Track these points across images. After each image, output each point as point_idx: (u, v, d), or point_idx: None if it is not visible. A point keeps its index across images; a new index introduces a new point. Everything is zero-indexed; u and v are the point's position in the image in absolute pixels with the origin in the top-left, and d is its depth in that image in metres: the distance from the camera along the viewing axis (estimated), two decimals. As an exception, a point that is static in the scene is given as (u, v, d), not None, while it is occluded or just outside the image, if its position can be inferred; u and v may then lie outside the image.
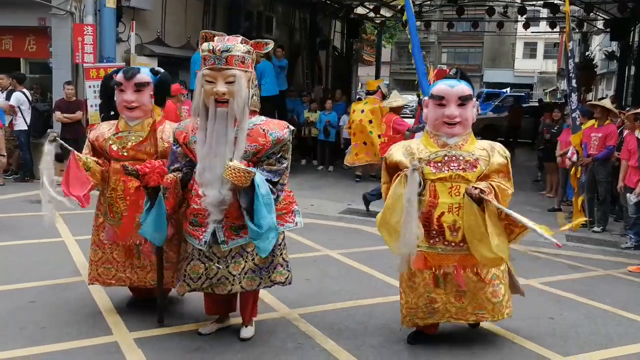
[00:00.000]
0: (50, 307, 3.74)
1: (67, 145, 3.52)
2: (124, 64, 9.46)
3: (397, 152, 3.33)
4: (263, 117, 3.30)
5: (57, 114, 8.43)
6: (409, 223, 3.04)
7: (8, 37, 10.40)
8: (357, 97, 20.66)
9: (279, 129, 3.21)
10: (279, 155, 3.22)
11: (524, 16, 18.52)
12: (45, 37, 9.74)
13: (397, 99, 8.18)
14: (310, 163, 11.57)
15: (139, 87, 3.54)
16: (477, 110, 3.43)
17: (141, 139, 3.56)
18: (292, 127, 3.31)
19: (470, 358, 3.39)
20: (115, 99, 3.63)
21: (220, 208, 3.12)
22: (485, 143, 3.36)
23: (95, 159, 3.58)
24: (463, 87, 3.25)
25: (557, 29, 19.33)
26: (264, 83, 9.61)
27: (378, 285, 4.60)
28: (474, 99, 3.33)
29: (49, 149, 3.40)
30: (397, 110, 7.91)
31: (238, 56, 3.08)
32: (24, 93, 8.51)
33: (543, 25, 24.18)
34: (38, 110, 8.80)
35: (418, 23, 26.62)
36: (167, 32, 10.93)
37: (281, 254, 3.36)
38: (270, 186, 3.11)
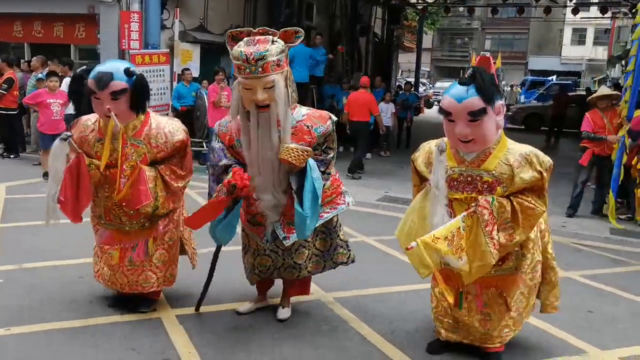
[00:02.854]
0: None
1: (76, 147, 3.24)
2: (168, 50, 9.69)
3: (420, 158, 3.06)
4: (304, 110, 3.29)
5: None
6: (438, 213, 2.81)
7: (59, 24, 10.79)
8: (397, 84, 20.47)
9: (322, 122, 3.24)
10: (324, 146, 3.30)
11: (573, 1, 17.86)
12: (94, 24, 10.05)
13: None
14: (348, 150, 11.58)
15: (115, 96, 3.15)
16: (502, 114, 2.84)
17: (131, 144, 3.27)
18: (334, 117, 3.34)
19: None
20: (86, 98, 3.26)
21: (277, 210, 3.23)
22: (517, 154, 2.79)
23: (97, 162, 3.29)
24: (472, 101, 2.69)
25: (609, 14, 18.54)
26: (293, 68, 9.64)
27: (412, 272, 4.58)
28: (497, 104, 2.76)
29: (61, 147, 3.18)
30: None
31: (273, 61, 2.99)
32: (73, 79, 8.80)
33: (594, 11, 23.26)
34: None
35: (461, 9, 26.13)
36: (209, 19, 11.09)
37: (338, 236, 3.52)
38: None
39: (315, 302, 3.91)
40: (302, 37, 3.16)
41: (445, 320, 3.16)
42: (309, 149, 3.10)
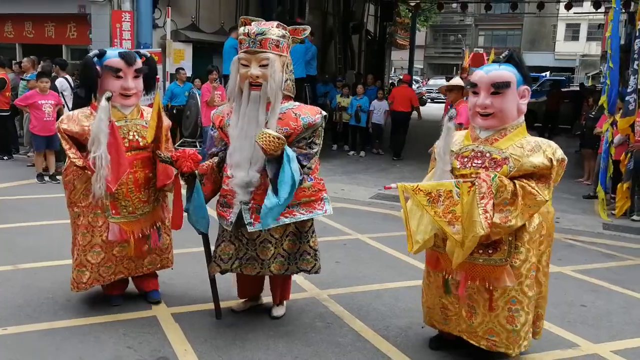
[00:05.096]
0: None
1: (111, 117, 3.25)
2: (160, 49, 9.67)
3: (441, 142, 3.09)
4: (297, 103, 3.32)
5: (98, 99, 8.64)
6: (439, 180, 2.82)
7: (50, 24, 10.76)
8: (390, 81, 20.50)
9: (312, 114, 3.21)
10: (310, 140, 3.22)
11: (566, -4, 17.90)
12: (86, 24, 10.02)
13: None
14: (342, 148, 11.60)
15: (138, 72, 3.39)
16: (526, 99, 2.88)
17: (139, 126, 3.42)
18: (324, 113, 3.31)
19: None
20: (98, 84, 3.33)
21: (247, 189, 3.14)
22: (532, 140, 2.83)
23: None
24: (499, 73, 2.81)
25: (602, 9, 18.59)
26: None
27: (406, 269, 4.65)
28: (522, 87, 2.85)
29: (107, 108, 3.18)
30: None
31: (272, 39, 3.09)
32: (66, 79, 8.79)
33: (587, 6, 23.32)
34: (80, 96, 9.07)
35: (454, 5, 26.09)
36: (201, 18, 11.08)
37: (308, 242, 3.37)
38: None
39: (309, 299, 3.92)
40: (308, 32, 3.31)
41: (435, 311, 3.12)
42: (283, 137, 3.00)
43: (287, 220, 3.20)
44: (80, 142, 3.32)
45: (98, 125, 3.16)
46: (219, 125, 3.33)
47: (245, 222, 3.19)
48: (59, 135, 3.39)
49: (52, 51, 10.40)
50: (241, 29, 3.18)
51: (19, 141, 9.68)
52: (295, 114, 3.17)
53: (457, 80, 6.44)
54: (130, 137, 3.38)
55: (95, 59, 3.34)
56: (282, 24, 3.24)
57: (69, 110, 8.60)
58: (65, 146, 3.35)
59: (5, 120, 9.06)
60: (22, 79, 8.78)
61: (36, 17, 10.67)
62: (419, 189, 2.74)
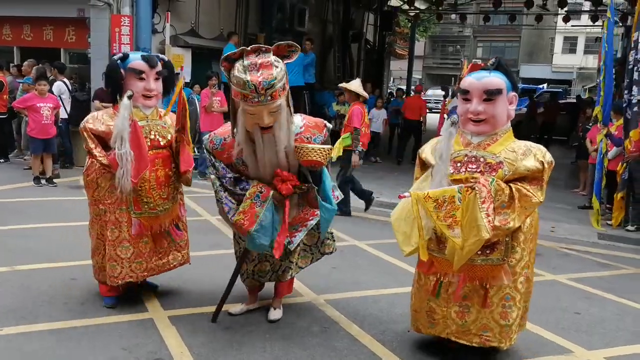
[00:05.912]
0: (89, 285, 3.93)
1: (133, 116, 3.37)
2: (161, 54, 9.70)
3: (427, 148, 3.15)
4: (299, 121, 3.28)
5: (97, 103, 8.66)
6: (439, 184, 2.86)
7: (49, 27, 10.75)
8: (389, 91, 20.57)
9: (320, 132, 3.31)
10: None
11: (565, 9, 18.02)
12: (85, 28, 10.02)
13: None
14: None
15: (159, 75, 3.54)
16: (514, 105, 2.98)
17: (159, 126, 3.57)
18: (329, 125, 3.41)
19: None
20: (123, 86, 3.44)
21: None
22: (522, 144, 2.93)
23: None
24: (491, 80, 2.87)
25: (599, 22, 18.74)
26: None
27: (402, 276, 4.66)
28: (511, 93, 2.94)
29: (129, 106, 3.30)
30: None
31: (281, 86, 2.95)
32: (64, 83, 8.80)
33: (585, 19, 23.53)
34: (78, 100, 9.07)
35: (453, 16, 26.32)
36: (200, 24, 11.11)
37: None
38: None
39: (306, 304, 3.93)
40: (298, 51, 3.08)
41: (421, 315, 3.15)
42: (330, 145, 3.22)
43: (314, 221, 3.43)
44: (105, 142, 3.43)
45: (122, 123, 3.29)
46: (227, 162, 3.29)
47: (285, 243, 3.34)
48: (85, 135, 3.47)
49: (50, 54, 10.38)
50: (240, 79, 2.87)
51: (15, 145, 9.67)
52: (307, 138, 3.25)
53: (355, 86, 6.56)
54: (152, 137, 3.52)
55: (119, 62, 3.46)
56: (265, 47, 3.00)
57: (67, 114, 8.73)
58: (91, 145, 3.46)
59: (3, 123, 9.06)
60: (19, 82, 8.78)
61: (35, 20, 10.66)
62: (429, 196, 2.82)
